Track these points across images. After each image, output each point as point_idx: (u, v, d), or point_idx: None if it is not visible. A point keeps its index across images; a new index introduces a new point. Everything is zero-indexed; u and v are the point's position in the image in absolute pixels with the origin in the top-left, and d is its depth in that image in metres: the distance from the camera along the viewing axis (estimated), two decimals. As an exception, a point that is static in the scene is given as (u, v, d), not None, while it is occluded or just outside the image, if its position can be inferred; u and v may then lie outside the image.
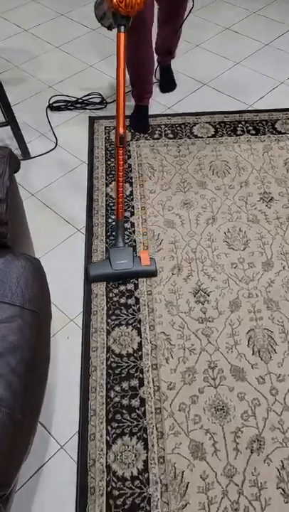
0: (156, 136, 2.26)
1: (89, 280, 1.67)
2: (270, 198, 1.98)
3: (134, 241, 1.83)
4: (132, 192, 2.01)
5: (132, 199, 1.98)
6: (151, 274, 1.69)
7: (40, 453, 1.34)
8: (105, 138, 2.26)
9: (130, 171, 2.09)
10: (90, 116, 2.38)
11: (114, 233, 1.80)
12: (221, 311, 1.63)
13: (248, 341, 1.55)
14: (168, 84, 2.55)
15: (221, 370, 1.48)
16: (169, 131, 2.29)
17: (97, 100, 2.46)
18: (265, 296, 1.66)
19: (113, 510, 1.24)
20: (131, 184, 2.04)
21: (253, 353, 1.52)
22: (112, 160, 2.14)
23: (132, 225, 1.88)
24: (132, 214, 1.92)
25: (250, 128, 2.30)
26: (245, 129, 2.29)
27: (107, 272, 1.67)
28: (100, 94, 2.48)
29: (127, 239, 1.83)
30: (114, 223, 1.85)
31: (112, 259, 1.67)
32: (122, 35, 1.59)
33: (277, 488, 1.27)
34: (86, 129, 2.31)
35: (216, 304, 1.64)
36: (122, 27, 1.58)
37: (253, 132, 2.28)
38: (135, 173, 2.08)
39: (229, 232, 1.86)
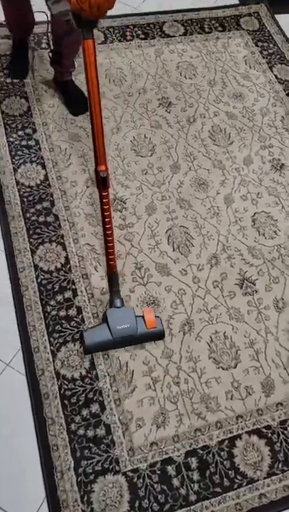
0: (43, 45, 2.11)
1: (86, 351, 1.41)
2: (168, 102, 2.02)
3: (42, 158, 1.77)
4: (29, 108, 1.90)
5: (31, 115, 1.88)
6: (159, 336, 1.46)
7: (-12, 374, 1.37)
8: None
9: (23, 85, 1.96)
10: None
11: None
12: (139, 215, 1.70)
13: (168, 240, 1.66)
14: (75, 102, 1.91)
15: (147, 269, 1.59)
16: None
17: None
18: (177, 196, 1.76)
19: (69, 408, 1.34)
20: (27, 99, 1.93)
21: (173, 250, 1.64)
22: None
23: (37, 142, 1.82)
24: (34, 131, 1.84)
25: (140, 32, 2.25)
26: (134, 34, 2.24)
27: (107, 340, 1.40)
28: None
29: (34, 156, 1.77)
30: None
31: (111, 323, 1.40)
32: (91, 43, 1.17)
33: (209, 358, 1.46)
34: None
35: (133, 210, 1.71)
36: (90, 32, 1.17)
37: (143, 37, 2.24)
38: (29, 88, 1.96)
39: (135, 140, 1.88)
